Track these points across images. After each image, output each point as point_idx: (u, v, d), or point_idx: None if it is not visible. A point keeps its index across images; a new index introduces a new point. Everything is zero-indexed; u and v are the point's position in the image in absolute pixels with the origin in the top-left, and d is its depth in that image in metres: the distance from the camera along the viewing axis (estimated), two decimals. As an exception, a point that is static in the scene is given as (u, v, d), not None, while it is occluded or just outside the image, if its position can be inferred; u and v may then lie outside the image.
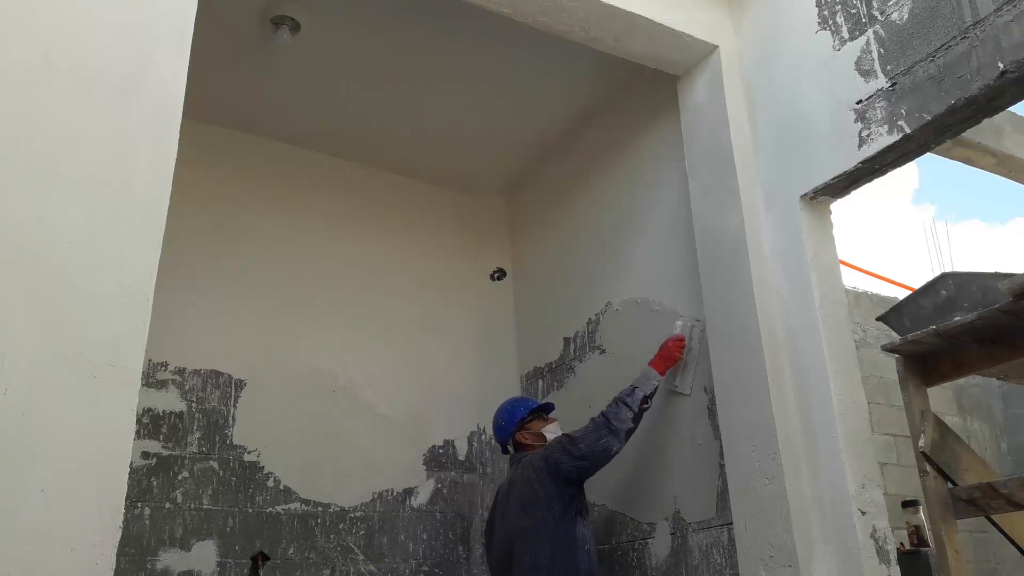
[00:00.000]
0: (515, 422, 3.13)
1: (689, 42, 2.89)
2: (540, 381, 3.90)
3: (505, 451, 3.22)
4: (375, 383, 3.69)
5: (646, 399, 2.85)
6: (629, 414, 2.81)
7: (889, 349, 2.49)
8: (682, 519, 2.89)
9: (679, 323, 3.01)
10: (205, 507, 3.14)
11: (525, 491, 2.86)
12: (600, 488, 3.30)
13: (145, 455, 3.07)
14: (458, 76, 3.47)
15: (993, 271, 2.22)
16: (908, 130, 2.23)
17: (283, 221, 3.70)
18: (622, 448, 2.84)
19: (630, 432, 2.83)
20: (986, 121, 2.22)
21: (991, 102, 2.09)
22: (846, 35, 2.48)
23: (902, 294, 4.79)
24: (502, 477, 3.37)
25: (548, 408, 3.25)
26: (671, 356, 2.93)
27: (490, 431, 3.87)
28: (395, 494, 3.57)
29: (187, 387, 3.25)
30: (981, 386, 5.55)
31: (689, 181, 2.96)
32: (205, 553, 3.07)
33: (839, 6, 2.52)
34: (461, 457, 3.76)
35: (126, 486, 1.54)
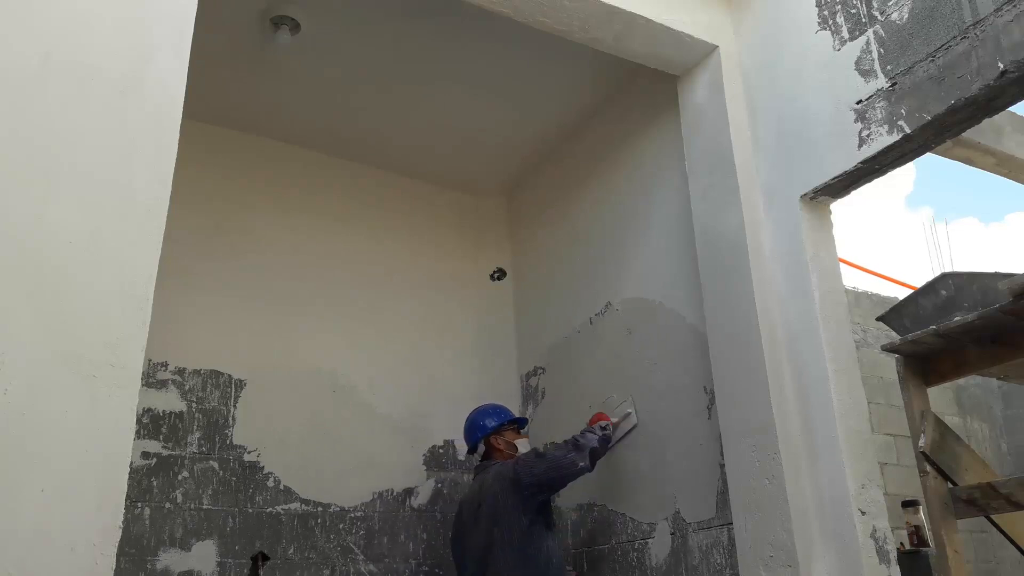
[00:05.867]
0: (495, 425, 3.23)
1: (689, 42, 2.89)
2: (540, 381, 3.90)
3: (472, 451, 3.30)
4: (375, 383, 3.68)
5: (606, 435, 3.01)
6: (594, 437, 2.95)
7: (889, 349, 2.50)
8: (682, 519, 2.89)
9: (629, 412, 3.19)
10: (205, 507, 3.14)
11: (495, 503, 2.94)
12: (600, 488, 3.30)
13: (145, 455, 3.07)
14: (458, 76, 3.47)
15: (993, 271, 2.22)
16: (908, 130, 2.23)
17: (283, 221, 3.70)
18: (588, 470, 2.92)
19: (596, 455, 2.94)
20: (986, 121, 2.22)
21: (991, 102, 2.09)
22: (846, 35, 2.48)
23: (902, 293, 4.79)
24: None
25: (523, 423, 3.37)
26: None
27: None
28: (395, 494, 3.57)
29: (187, 387, 3.25)
30: (981, 386, 5.55)
31: (689, 181, 2.96)
32: (205, 553, 3.07)
33: (839, 6, 2.52)
34: (461, 457, 3.75)
35: (126, 486, 1.54)
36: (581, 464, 2.89)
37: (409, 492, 3.61)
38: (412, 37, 3.23)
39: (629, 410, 3.16)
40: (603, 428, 3.01)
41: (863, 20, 2.43)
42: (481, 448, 3.24)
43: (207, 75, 2.95)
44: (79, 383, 1.54)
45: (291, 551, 3.25)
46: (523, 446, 3.22)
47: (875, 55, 2.37)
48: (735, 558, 2.55)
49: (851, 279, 5.22)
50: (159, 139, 1.79)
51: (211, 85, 3.25)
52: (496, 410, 3.33)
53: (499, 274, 4.24)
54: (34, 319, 1.54)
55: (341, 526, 3.39)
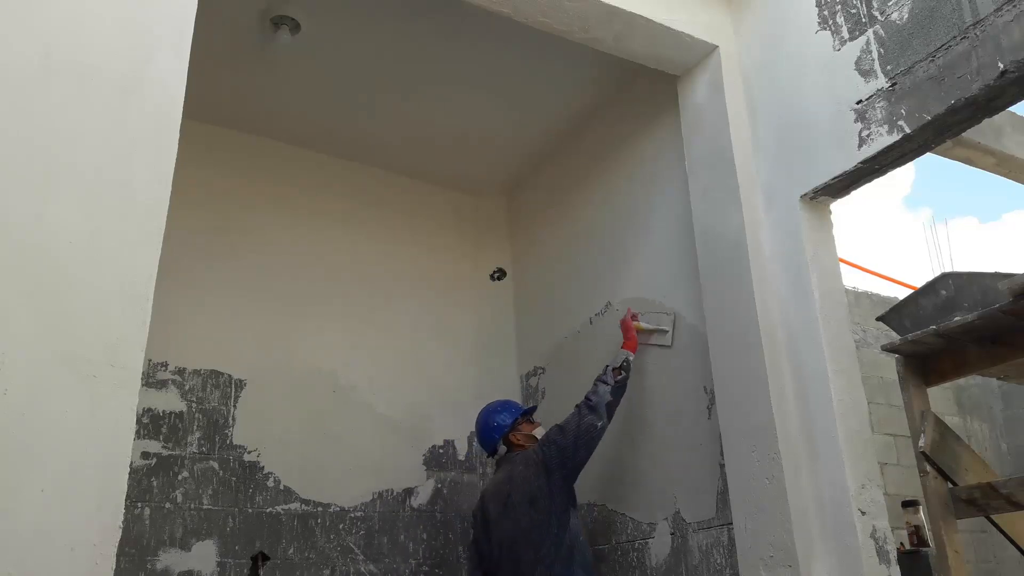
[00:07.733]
0: (511, 422, 3.15)
1: (689, 42, 2.89)
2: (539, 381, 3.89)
3: (492, 453, 3.24)
4: (375, 383, 3.68)
5: (618, 370, 2.98)
6: (606, 388, 2.94)
7: (889, 349, 2.50)
8: (682, 519, 2.89)
9: (654, 318, 3.14)
10: (205, 507, 3.14)
11: (530, 487, 2.88)
12: (600, 488, 3.30)
13: (145, 455, 3.07)
14: (458, 76, 3.47)
15: (993, 271, 2.22)
16: (908, 130, 2.23)
17: (283, 221, 3.70)
18: (607, 424, 2.92)
19: (611, 407, 2.94)
20: (986, 121, 2.23)
21: (991, 102, 2.10)
22: (846, 35, 2.48)
23: (902, 293, 4.79)
24: (502, 477, 3.37)
25: (532, 411, 3.32)
26: (630, 335, 3.08)
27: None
28: (395, 494, 3.57)
29: (187, 387, 3.25)
30: (981, 386, 5.55)
31: (689, 181, 2.96)
32: (205, 553, 3.07)
33: (839, 6, 2.52)
34: (461, 457, 3.76)
35: (126, 486, 1.54)
36: (599, 424, 2.89)
37: (409, 492, 3.61)
38: (412, 37, 3.23)
39: (667, 329, 3.08)
40: (618, 376, 2.97)
41: (863, 20, 2.43)
42: (502, 449, 3.16)
43: (207, 75, 2.95)
44: (79, 383, 1.54)
45: (291, 551, 3.25)
46: (540, 433, 3.13)
47: (875, 55, 2.37)
48: (735, 558, 2.55)
49: (851, 279, 5.22)
50: (159, 139, 1.79)
51: (211, 85, 3.25)
52: (505, 406, 3.25)
53: (499, 274, 4.24)
54: (34, 319, 1.54)
55: (341, 526, 3.39)
